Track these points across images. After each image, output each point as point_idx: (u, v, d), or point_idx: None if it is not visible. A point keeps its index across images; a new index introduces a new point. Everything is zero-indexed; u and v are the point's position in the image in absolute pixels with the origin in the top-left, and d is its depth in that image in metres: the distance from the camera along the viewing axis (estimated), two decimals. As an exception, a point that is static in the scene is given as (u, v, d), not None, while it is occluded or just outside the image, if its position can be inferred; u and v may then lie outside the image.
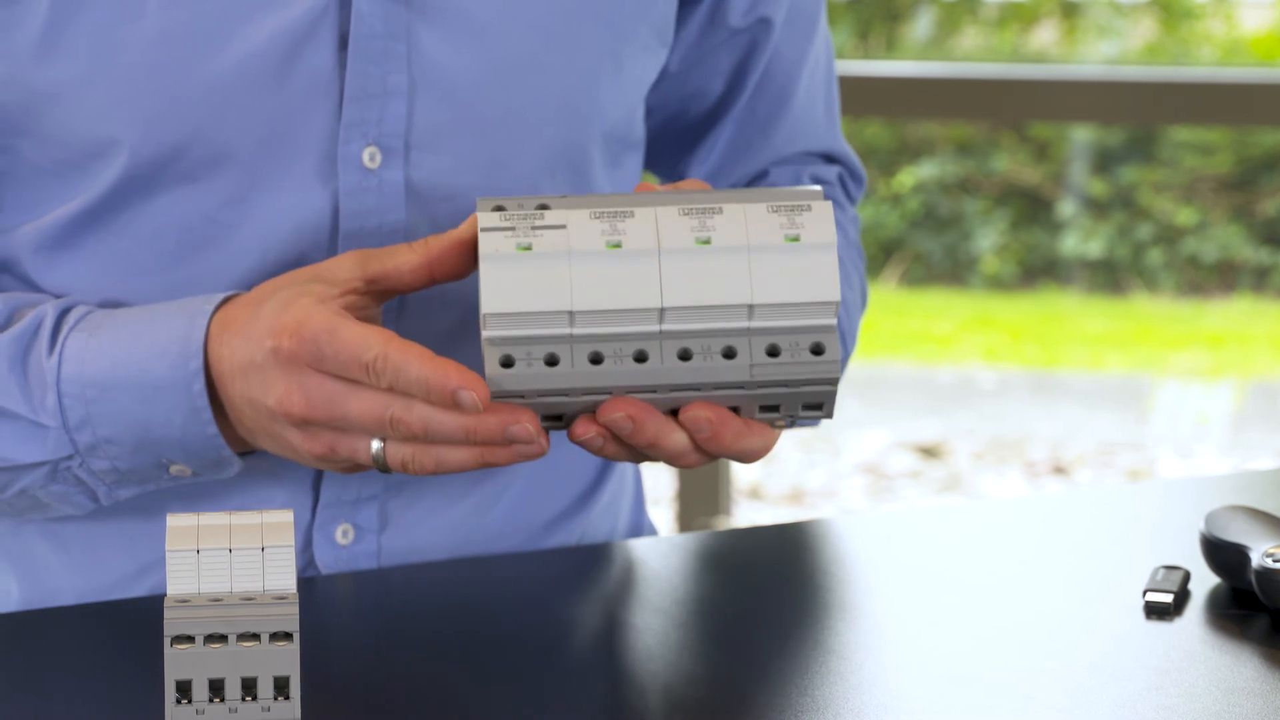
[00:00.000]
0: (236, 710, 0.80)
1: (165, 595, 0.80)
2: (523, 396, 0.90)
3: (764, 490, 4.34)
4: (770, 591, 1.02)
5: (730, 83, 1.16)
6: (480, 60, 1.04)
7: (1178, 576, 1.00)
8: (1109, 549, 1.08)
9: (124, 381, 0.99)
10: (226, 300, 1.00)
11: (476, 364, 0.91)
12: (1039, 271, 6.32)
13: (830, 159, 1.21)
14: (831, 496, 4.32)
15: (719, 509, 2.73)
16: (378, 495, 1.08)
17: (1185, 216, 6.15)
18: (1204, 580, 1.02)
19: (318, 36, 1.02)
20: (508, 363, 0.89)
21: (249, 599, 0.80)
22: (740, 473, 4.32)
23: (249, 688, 0.80)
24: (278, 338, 0.95)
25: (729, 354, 0.90)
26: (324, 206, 1.04)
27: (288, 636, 0.80)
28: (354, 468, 0.98)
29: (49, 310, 1.02)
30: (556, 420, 0.93)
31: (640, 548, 1.10)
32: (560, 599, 1.03)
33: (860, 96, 2.55)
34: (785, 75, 1.16)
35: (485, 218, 0.89)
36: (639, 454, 0.95)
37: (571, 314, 0.88)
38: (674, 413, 0.92)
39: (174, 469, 1.01)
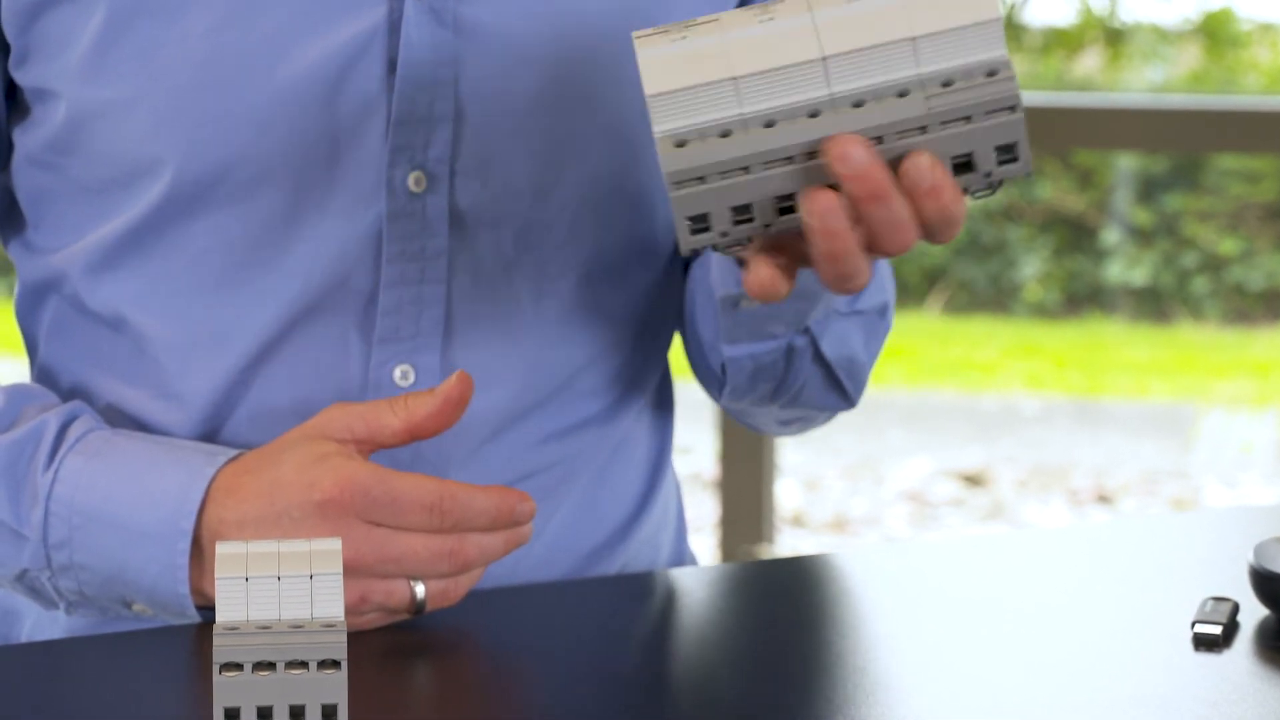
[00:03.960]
0: (284, 737, 0.80)
1: (214, 622, 0.80)
2: (703, 179, 0.89)
3: (807, 518, 4.33)
4: (814, 621, 1.02)
5: None
6: (527, 89, 1.05)
7: (1226, 608, 1.00)
8: (1156, 580, 1.07)
9: (110, 518, 1.00)
10: (228, 460, 1.01)
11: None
12: (1083, 299, 6.30)
13: None
14: (874, 524, 4.31)
15: (762, 536, 2.73)
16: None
17: (1230, 245, 6.13)
18: (1253, 612, 1.01)
19: (366, 61, 1.02)
20: (681, 143, 0.89)
21: (297, 627, 0.80)
22: (783, 500, 4.32)
23: (297, 715, 0.80)
24: (324, 490, 0.97)
25: (903, 93, 0.88)
26: (368, 230, 1.04)
27: (336, 664, 0.80)
28: (382, 616, 0.99)
29: (52, 422, 1.03)
30: (745, 216, 0.90)
31: (683, 577, 1.09)
32: (603, 628, 1.03)
33: (905, 124, 2.55)
34: None
35: (640, 33, 0.89)
36: (844, 249, 0.90)
37: (735, 81, 0.88)
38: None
39: (136, 607, 1.02)
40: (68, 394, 1.10)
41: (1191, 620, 0.99)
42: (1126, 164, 6.29)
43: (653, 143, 1.08)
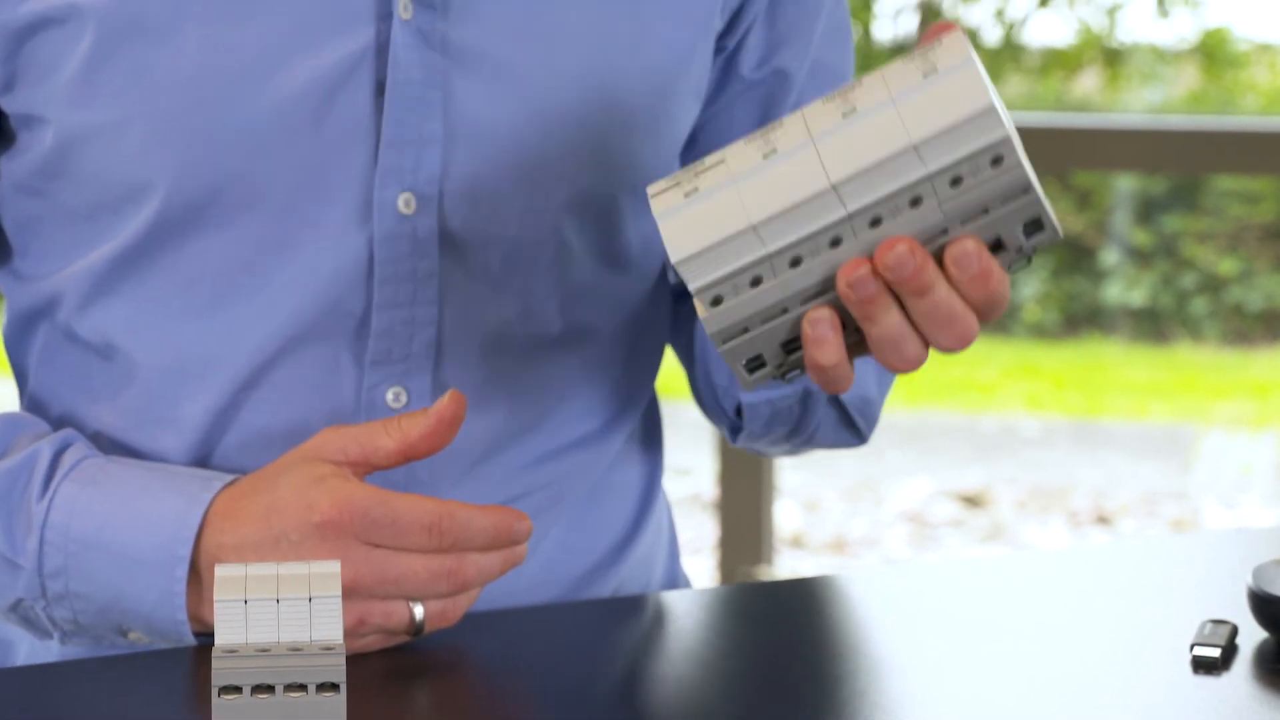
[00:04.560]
0: (282, 761, 0.80)
1: (213, 645, 0.80)
2: (746, 329, 0.91)
3: (806, 539, 4.33)
4: (812, 644, 1.02)
5: None
6: (516, 111, 1.05)
7: (1225, 630, 1.00)
8: (1155, 602, 1.07)
9: (107, 546, 1.00)
10: (225, 485, 1.01)
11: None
12: (1082, 320, 6.30)
13: None
14: (874, 545, 4.31)
15: (761, 558, 2.73)
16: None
17: (1229, 265, 6.14)
18: (1252, 634, 1.01)
19: (355, 82, 1.03)
20: (717, 301, 0.91)
21: (296, 649, 0.80)
22: (782, 521, 4.31)
23: (295, 738, 0.80)
24: (323, 512, 0.97)
25: (916, 202, 0.89)
26: (359, 252, 1.04)
27: (334, 687, 0.80)
28: (381, 638, 0.99)
29: (45, 450, 1.03)
30: (794, 348, 0.93)
31: (679, 599, 1.09)
32: (599, 652, 1.02)
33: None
34: None
35: (653, 187, 0.92)
36: (886, 327, 0.90)
37: (755, 229, 0.89)
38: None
39: (132, 635, 1.02)
40: (58, 423, 1.10)
41: (1190, 642, 0.99)
42: (1125, 185, 6.30)
43: (633, 167, 1.08)
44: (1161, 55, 6.70)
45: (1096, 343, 6.23)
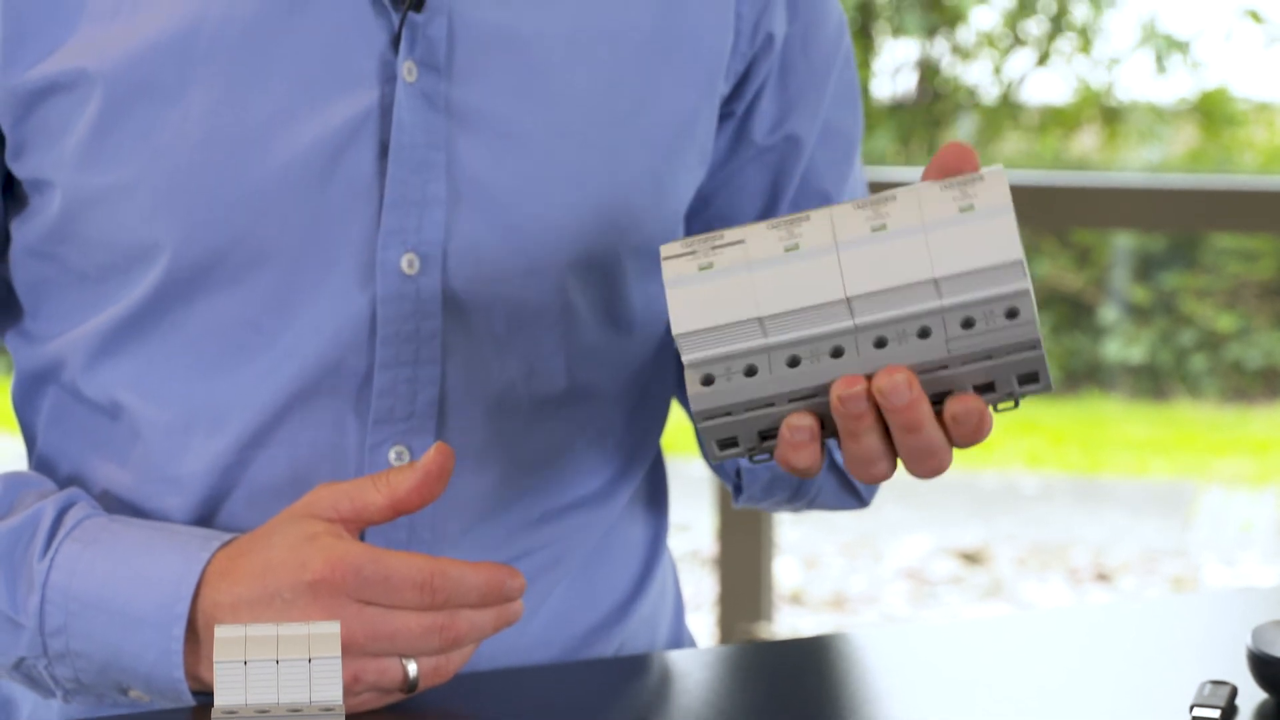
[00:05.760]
0: (281, 822, 0.80)
1: (213, 706, 0.80)
2: (730, 413, 0.91)
3: (805, 596, 4.32)
4: (813, 705, 1.02)
5: (765, 205, 1.16)
6: (520, 172, 1.05)
7: (1225, 692, 0.99)
8: (1155, 662, 1.07)
9: (107, 604, 1.00)
10: (223, 545, 1.01)
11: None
12: (1081, 377, 6.31)
13: None
14: (873, 602, 4.30)
15: (760, 614, 2.72)
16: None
17: (1228, 323, 6.14)
18: (1251, 696, 1.01)
19: (359, 143, 1.03)
20: (708, 381, 0.90)
21: (295, 710, 0.80)
22: (782, 578, 4.31)
23: (294, 799, 0.80)
24: (316, 570, 0.97)
25: (924, 334, 0.89)
26: (362, 311, 1.05)
27: (333, 748, 0.80)
28: (376, 696, 0.99)
29: (48, 509, 1.03)
30: (770, 435, 0.92)
31: (681, 659, 1.09)
32: (600, 712, 1.02)
33: (903, 204, 2.55)
34: (823, 198, 1.16)
35: (667, 248, 0.91)
36: (869, 444, 0.91)
37: (760, 320, 0.89)
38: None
39: (132, 694, 1.02)
40: (66, 482, 1.10)
41: (1190, 704, 0.99)
42: (1124, 242, 6.31)
43: (636, 229, 1.09)
44: (1160, 114, 6.72)
45: (1096, 399, 6.23)
